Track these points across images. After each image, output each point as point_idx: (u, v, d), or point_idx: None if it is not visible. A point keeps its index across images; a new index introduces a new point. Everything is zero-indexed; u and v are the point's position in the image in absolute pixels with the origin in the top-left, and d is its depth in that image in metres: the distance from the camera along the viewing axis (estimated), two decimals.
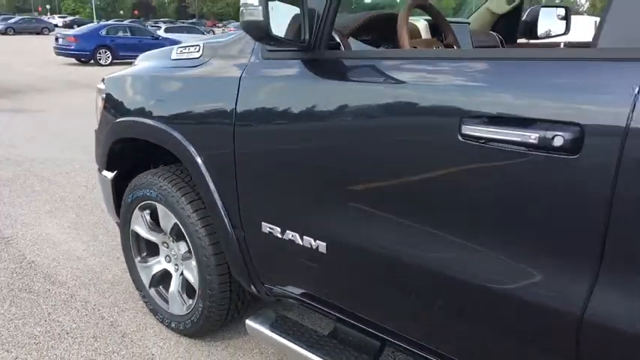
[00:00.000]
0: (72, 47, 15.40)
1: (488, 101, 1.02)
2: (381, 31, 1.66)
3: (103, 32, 16.16)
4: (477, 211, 1.07)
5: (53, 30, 33.30)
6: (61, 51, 15.74)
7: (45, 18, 51.57)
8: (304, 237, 1.43)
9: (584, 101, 0.91)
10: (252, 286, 1.73)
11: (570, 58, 0.98)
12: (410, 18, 1.91)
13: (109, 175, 2.20)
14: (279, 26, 1.17)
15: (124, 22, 23.99)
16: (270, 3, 1.10)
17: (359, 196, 1.29)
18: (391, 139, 1.18)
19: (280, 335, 1.60)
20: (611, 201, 0.88)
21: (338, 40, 1.49)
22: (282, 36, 1.19)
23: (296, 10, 1.21)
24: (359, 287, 1.43)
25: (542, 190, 0.96)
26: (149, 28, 23.08)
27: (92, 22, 32.48)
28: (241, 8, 1.11)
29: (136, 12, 73.71)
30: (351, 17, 1.70)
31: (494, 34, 2.47)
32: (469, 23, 2.23)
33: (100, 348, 2.02)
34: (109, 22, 25.49)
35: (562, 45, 2.83)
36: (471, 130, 1.02)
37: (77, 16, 63.25)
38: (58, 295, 2.40)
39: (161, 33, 20.00)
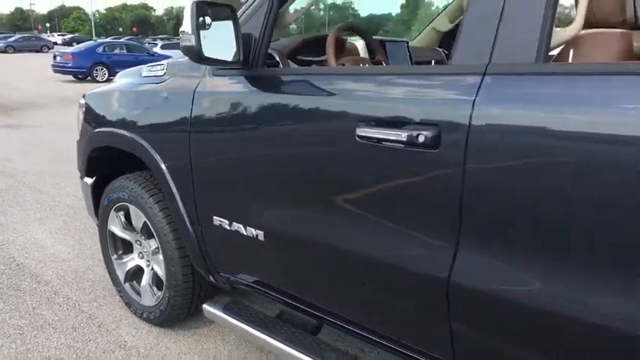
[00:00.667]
0: (69, 65, 15.73)
1: (375, 108, 1.26)
2: (317, 50, 1.92)
3: (100, 50, 16.51)
4: (373, 198, 1.30)
5: (52, 48, 33.82)
6: (58, 69, 16.07)
7: (44, 36, 52.28)
8: (247, 227, 1.66)
9: (441, 107, 1.15)
10: (211, 276, 1.96)
11: (435, 73, 1.23)
12: (351, 38, 2.17)
13: (89, 181, 2.44)
14: (215, 49, 1.42)
15: (120, 40, 24.45)
16: (202, 32, 1.34)
17: (286, 190, 1.53)
18: (309, 141, 1.42)
19: (232, 317, 1.82)
20: (462, 184, 1.11)
21: (277, 58, 1.75)
22: (219, 58, 1.44)
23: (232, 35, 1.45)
24: (294, 272, 1.66)
25: (415, 178, 1.20)
26: (146, 45, 23.53)
27: (91, 39, 33.02)
28: (180, 35, 1.36)
29: (134, 29, 74.69)
30: (291, 39, 1.96)
31: (440, 50, 2.73)
32: (407, 42, 2.48)
33: (77, 337, 2.24)
34: (107, 39, 25.96)
35: None
36: (362, 132, 1.26)
37: (76, 34, 64.08)
38: (43, 293, 2.62)
39: (157, 50, 20.41)
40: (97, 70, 16.06)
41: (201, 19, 1.35)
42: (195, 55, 1.38)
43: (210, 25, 1.37)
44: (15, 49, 34.57)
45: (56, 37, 52.44)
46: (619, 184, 0.93)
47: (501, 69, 1.09)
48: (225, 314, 1.83)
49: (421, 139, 1.14)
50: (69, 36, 54.63)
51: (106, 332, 2.27)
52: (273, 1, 1.55)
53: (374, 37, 2.20)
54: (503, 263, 1.11)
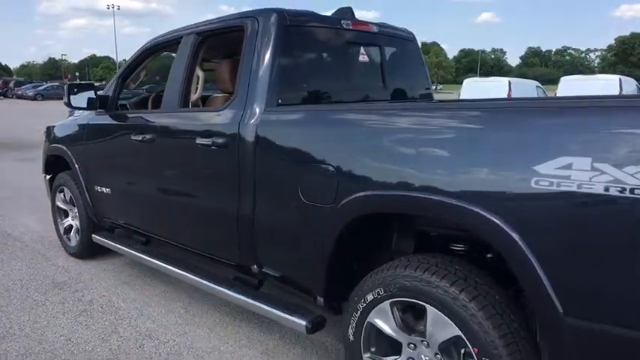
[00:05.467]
0: None
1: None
2: (145, 102, 3.64)
3: None
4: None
5: None
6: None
7: None
8: (104, 188, 3.38)
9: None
10: (98, 220, 3.66)
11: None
12: None
13: (48, 176, 4.21)
14: (83, 103, 3.18)
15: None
16: (72, 96, 3.12)
17: (120, 171, 3.25)
18: (131, 142, 3.13)
19: (119, 243, 3.47)
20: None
21: (128, 106, 3.51)
22: (82, 106, 3.21)
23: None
24: (130, 212, 3.34)
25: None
26: None
27: None
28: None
29: (157, 78, 79.29)
30: (139, 97, 3.73)
31: None
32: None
33: (35, 264, 3.92)
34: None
35: None
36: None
37: (103, 82, 68.63)
38: (20, 246, 4.33)
39: None
40: None
41: (74, 89, 3.13)
42: (69, 105, 3.16)
43: (77, 91, 3.14)
44: (44, 96, 37.74)
45: None
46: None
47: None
48: (109, 240, 3.51)
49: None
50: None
51: (53, 260, 3.95)
52: (118, 81, 3.32)
53: None
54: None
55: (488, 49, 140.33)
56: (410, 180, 1.70)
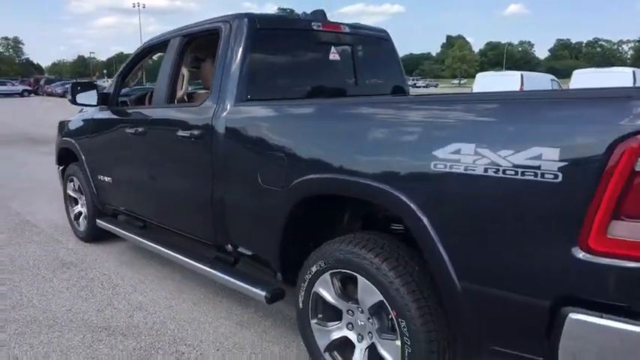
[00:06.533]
0: None
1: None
2: (143, 99, 3.96)
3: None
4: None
5: None
6: None
7: (100, 81, 57.93)
8: (105, 177, 3.72)
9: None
10: (102, 207, 4.01)
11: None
12: None
13: (60, 167, 4.59)
14: (87, 100, 3.52)
15: (145, 85, 27.72)
16: (77, 95, 3.46)
17: (118, 161, 3.58)
18: (129, 136, 3.45)
19: (118, 227, 3.82)
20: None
21: (128, 102, 3.84)
22: (88, 103, 3.54)
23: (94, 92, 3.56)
24: (131, 199, 3.68)
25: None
26: None
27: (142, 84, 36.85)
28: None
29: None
30: (138, 93, 4.05)
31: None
32: None
33: (49, 247, 4.30)
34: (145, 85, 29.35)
35: None
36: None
37: None
38: (36, 231, 4.73)
39: None
40: None
41: (77, 88, 3.47)
42: (71, 101, 3.49)
43: (80, 90, 3.48)
44: None
45: (107, 83, 57.93)
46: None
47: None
48: (111, 225, 3.86)
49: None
50: None
51: (64, 244, 4.33)
52: (118, 79, 3.65)
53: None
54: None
55: (516, 42, 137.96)
56: (339, 165, 1.96)
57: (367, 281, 1.93)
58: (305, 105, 2.44)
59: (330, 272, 2.09)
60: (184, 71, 3.18)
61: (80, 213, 4.42)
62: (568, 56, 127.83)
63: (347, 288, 2.10)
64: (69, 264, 3.84)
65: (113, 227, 3.79)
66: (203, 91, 3.26)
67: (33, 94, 43.71)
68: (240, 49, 2.65)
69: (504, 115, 1.57)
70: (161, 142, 3.12)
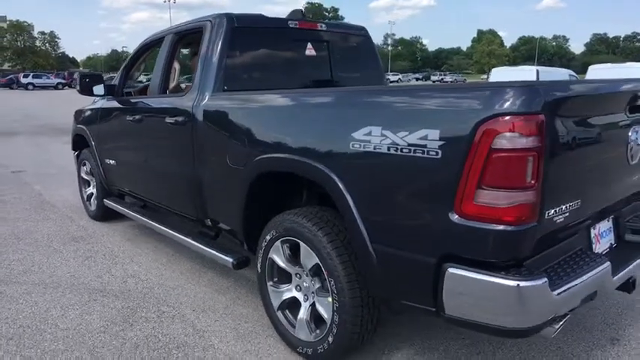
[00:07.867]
0: None
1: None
2: (145, 90, 4.34)
3: None
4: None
5: None
6: None
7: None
8: (111, 160, 4.12)
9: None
10: (109, 188, 4.43)
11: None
12: None
13: (75, 152, 5.05)
14: (94, 90, 3.92)
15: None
16: (84, 86, 3.86)
17: (121, 145, 3.97)
18: (131, 123, 3.84)
19: (120, 205, 4.24)
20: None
21: (132, 92, 4.23)
22: (96, 93, 3.94)
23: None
24: (131, 180, 4.07)
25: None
26: None
27: None
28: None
29: None
30: (141, 85, 4.44)
31: None
32: None
33: (63, 225, 4.76)
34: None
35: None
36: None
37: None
38: (54, 210, 5.21)
39: None
40: None
41: (85, 79, 3.88)
42: (79, 92, 3.90)
43: (88, 81, 3.89)
44: None
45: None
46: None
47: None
48: (116, 204, 4.28)
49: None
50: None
51: (78, 223, 4.78)
52: (123, 72, 4.05)
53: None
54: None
55: (550, 37, 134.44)
56: (285, 146, 2.29)
57: (307, 247, 2.25)
58: (261, 95, 2.75)
59: (280, 240, 2.41)
60: (176, 65, 3.54)
61: (92, 194, 4.85)
62: (605, 51, 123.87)
63: (295, 254, 2.42)
64: (78, 238, 4.28)
65: (117, 206, 4.20)
66: (190, 83, 3.61)
67: (67, 87, 45.41)
68: (219, 46, 2.98)
69: (402, 103, 1.86)
70: (153, 128, 3.49)
